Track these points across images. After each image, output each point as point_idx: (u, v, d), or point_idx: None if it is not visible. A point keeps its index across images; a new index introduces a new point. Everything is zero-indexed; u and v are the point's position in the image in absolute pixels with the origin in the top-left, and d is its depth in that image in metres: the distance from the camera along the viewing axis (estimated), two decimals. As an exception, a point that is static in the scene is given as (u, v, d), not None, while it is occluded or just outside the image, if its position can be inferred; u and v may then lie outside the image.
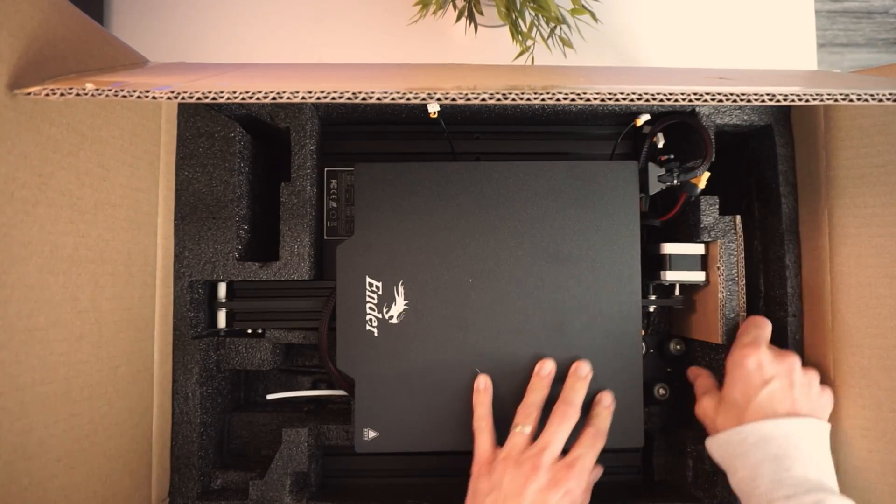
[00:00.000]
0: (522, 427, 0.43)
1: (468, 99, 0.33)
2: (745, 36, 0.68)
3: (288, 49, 0.67)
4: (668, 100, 0.33)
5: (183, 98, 0.32)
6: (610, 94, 0.33)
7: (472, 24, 0.58)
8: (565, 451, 0.43)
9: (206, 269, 0.50)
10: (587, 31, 0.61)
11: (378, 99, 0.32)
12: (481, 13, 0.58)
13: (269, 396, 0.57)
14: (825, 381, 0.48)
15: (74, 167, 0.38)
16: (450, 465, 0.55)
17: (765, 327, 0.47)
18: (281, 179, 0.51)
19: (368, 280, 0.48)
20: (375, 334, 0.47)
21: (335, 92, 0.32)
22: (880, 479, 0.44)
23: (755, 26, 0.68)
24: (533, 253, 0.48)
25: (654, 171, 0.52)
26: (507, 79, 0.41)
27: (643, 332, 0.55)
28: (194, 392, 0.50)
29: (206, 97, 0.32)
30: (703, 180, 0.50)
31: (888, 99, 0.33)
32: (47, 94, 0.32)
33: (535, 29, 0.55)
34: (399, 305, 0.48)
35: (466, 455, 0.49)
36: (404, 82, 0.36)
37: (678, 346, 0.56)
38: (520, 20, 0.54)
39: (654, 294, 0.54)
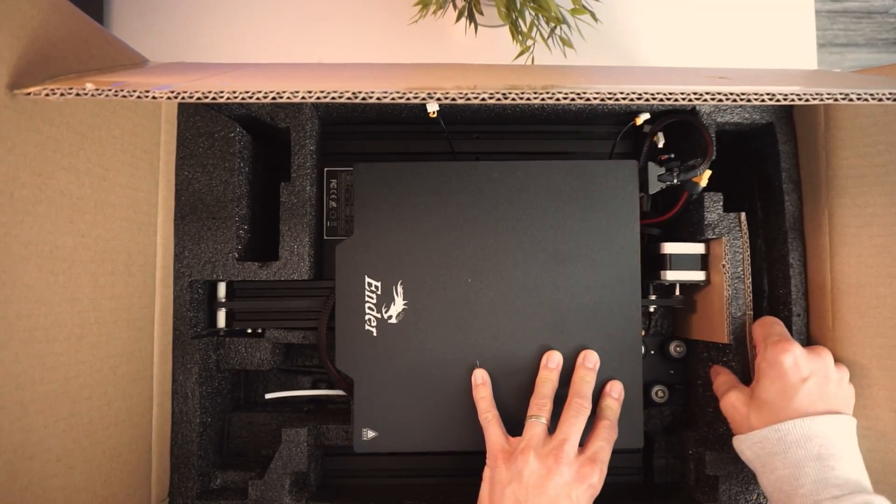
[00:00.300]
0: (537, 418, 0.43)
1: (468, 99, 0.33)
2: (745, 36, 0.68)
3: (288, 49, 0.67)
4: (669, 99, 0.33)
5: (183, 98, 0.32)
6: (610, 93, 0.33)
7: (472, 24, 0.58)
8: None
9: (205, 268, 0.50)
10: (587, 31, 0.61)
11: (378, 99, 0.32)
12: (481, 13, 0.58)
13: (268, 396, 0.57)
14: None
15: (74, 167, 0.38)
16: (449, 465, 0.55)
17: (783, 325, 0.47)
18: (281, 179, 0.51)
19: (368, 280, 0.48)
20: (375, 334, 0.47)
21: (335, 92, 0.32)
22: (881, 479, 0.44)
23: (755, 26, 0.68)
24: (532, 253, 0.48)
25: (655, 170, 0.52)
26: (507, 78, 0.41)
27: (644, 333, 0.55)
28: (194, 392, 0.50)
29: (206, 97, 0.32)
30: (704, 179, 0.50)
31: (888, 98, 0.33)
32: (47, 95, 0.32)
33: (535, 29, 0.55)
34: (398, 305, 0.47)
35: (466, 455, 0.49)
36: (404, 82, 0.36)
37: (679, 348, 0.55)
38: (520, 20, 0.54)
39: (654, 294, 0.54)
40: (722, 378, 0.49)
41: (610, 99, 0.33)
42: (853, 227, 0.47)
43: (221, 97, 0.32)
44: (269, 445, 0.55)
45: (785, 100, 0.33)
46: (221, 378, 0.54)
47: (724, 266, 0.49)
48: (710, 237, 0.51)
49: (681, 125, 0.53)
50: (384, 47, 0.67)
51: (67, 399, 0.38)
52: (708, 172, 0.50)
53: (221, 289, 0.53)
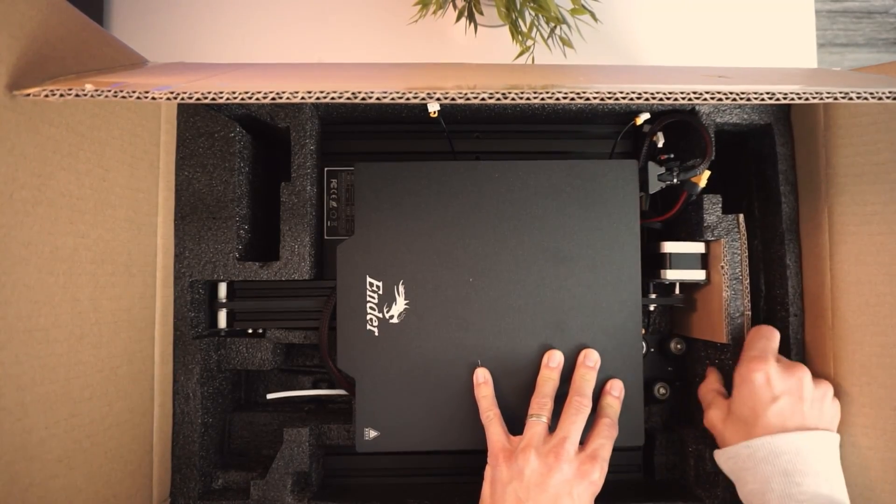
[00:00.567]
0: (538, 417, 0.44)
1: (468, 98, 0.33)
2: (745, 36, 0.68)
3: (288, 49, 0.67)
4: (668, 99, 0.33)
5: (183, 98, 0.32)
6: (609, 93, 0.33)
7: (472, 24, 0.58)
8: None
9: (206, 269, 0.50)
10: (587, 31, 0.61)
11: (378, 99, 0.32)
12: (481, 13, 0.58)
13: (270, 396, 0.57)
14: (826, 379, 0.48)
15: (74, 167, 0.38)
16: (451, 465, 0.55)
17: (772, 338, 0.47)
18: (281, 179, 0.51)
19: (369, 280, 0.48)
20: (376, 334, 0.47)
21: (335, 92, 0.32)
22: (881, 477, 0.44)
23: (755, 26, 0.68)
24: (533, 252, 0.48)
25: (654, 169, 0.52)
26: (507, 78, 0.41)
27: (644, 331, 0.55)
28: (195, 392, 0.50)
29: (206, 97, 0.32)
30: (703, 179, 0.50)
31: (888, 97, 0.33)
32: (47, 95, 0.32)
33: (535, 29, 0.55)
34: (399, 305, 0.47)
35: (468, 454, 0.49)
36: (404, 82, 0.36)
37: (679, 346, 0.56)
38: (520, 20, 0.54)
39: (654, 293, 0.54)
40: (705, 389, 0.50)
41: (610, 98, 0.33)
42: (853, 225, 0.47)
43: (221, 97, 0.32)
44: (270, 445, 0.55)
45: (785, 99, 0.33)
46: (222, 378, 0.54)
47: (722, 267, 0.49)
48: (708, 239, 0.51)
49: (680, 125, 0.53)
50: (384, 47, 0.67)
51: (68, 400, 0.38)
52: (707, 173, 0.50)
53: (222, 289, 0.53)
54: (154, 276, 0.48)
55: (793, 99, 0.33)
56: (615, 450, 0.44)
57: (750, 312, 0.50)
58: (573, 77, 0.44)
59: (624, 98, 0.33)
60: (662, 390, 0.55)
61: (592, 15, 0.54)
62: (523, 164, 0.48)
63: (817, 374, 0.49)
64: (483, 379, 0.46)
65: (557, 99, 0.33)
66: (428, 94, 0.32)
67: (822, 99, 0.33)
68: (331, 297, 0.51)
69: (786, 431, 0.42)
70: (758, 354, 0.45)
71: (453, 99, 0.33)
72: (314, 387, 0.58)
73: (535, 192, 0.48)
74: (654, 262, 0.52)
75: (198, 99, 0.32)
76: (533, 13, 0.55)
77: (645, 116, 0.52)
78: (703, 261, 0.52)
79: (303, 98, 0.32)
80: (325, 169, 0.56)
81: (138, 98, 0.32)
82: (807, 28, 0.68)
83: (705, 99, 0.33)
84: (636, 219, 0.48)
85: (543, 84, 0.34)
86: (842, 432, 0.47)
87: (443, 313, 0.47)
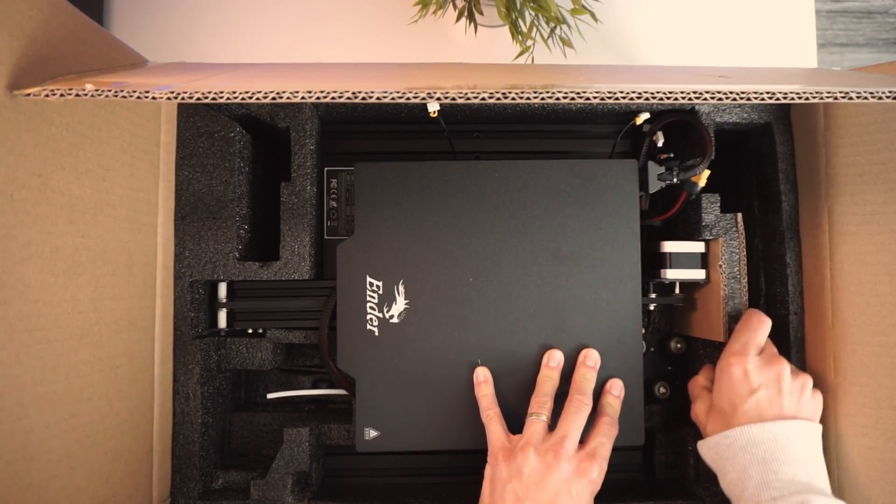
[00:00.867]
0: (538, 415, 0.44)
1: (468, 98, 0.33)
2: (745, 36, 0.68)
3: (288, 49, 0.67)
4: (668, 98, 0.33)
5: (183, 98, 0.32)
6: (609, 92, 0.33)
7: (472, 24, 0.58)
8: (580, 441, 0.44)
9: (206, 269, 0.50)
10: (587, 31, 0.61)
11: (378, 99, 0.32)
12: (481, 13, 0.58)
13: (270, 396, 0.57)
14: (825, 379, 0.48)
15: (74, 167, 0.38)
16: (451, 465, 0.55)
17: (758, 329, 0.46)
18: (281, 179, 0.51)
19: (369, 279, 0.48)
20: (376, 333, 0.47)
21: (335, 92, 0.32)
22: (881, 477, 0.44)
23: (755, 26, 0.68)
24: (533, 251, 0.48)
25: (654, 169, 0.52)
26: (507, 78, 0.41)
27: (643, 331, 0.55)
28: (195, 392, 0.50)
29: (206, 97, 0.32)
30: (703, 178, 0.50)
31: (888, 97, 0.33)
32: (47, 95, 0.32)
33: (535, 29, 0.55)
34: (400, 305, 0.48)
35: (468, 454, 0.49)
36: (404, 82, 0.36)
37: (679, 345, 0.56)
38: (520, 20, 0.54)
39: (654, 292, 0.54)
40: (693, 383, 0.51)
41: (610, 98, 0.33)
42: (853, 225, 0.47)
43: (221, 97, 0.32)
44: (270, 445, 0.55)
45: (785, 98, 0.33)
46: (223, 378, 0.54)
47: (720, 266, 0.50)
48: (707, 238, 0.51)
49: (680, 125, 0.53)
50: (384, 47, 0.67)
51: (68, 400, 0.38)
52: (707, 172, 0.50)
53: (222, 289, 0.53)
54: (154, 276, 0.48)
55: (793, 98, 0.33)
56: (615, 449, 0.44)
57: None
58: (573, 77, 0.44)
59: (624, 98, 0.33)
60: (662, 389, 0.55)
61: (592, 15, 0.54)
62: (523, 163, 0.48)
63: (817, 374, 0.49)
64: (483, 378, 0.46)
65: (557, 99, 0.33)
66: (428, 93, 0.32)
67: (822, 98, 0.33)
68: (331, 297, 0.51)
69: (763, 421, 0.43)
70: (739, 348, 0.46)
71: (453, 99, 0.33)
72: (314, 387, 0.58)
73: (535, 191, 0.48)
74: (653, 261, 0.52)
75: (198, 99, 0.32)
76: (533, 13, 0.55)
77: (645, 116, 0.52)
78: (703, 260, 0.52)
79: (303, 98, 0.32)
80: (325, 169, 0.56)
81: (138, 98, 0.32)
82: (807, 28, 0.68)
83: (705, 98, 0.33)
84: (636, 218, 0.48)
85: (543, 84, 0.34)
86: (841, 432, 0.47)
87: (443, 313, 0.47)
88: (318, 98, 0.32)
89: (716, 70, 0.45)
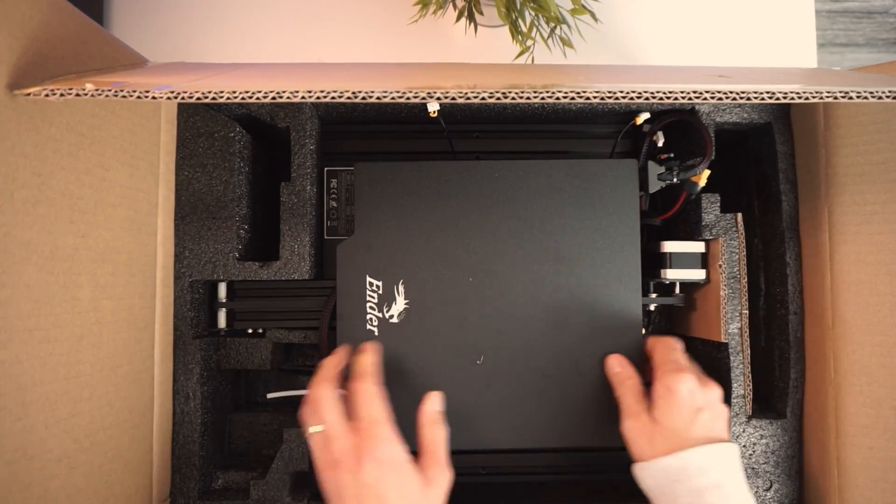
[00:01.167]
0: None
1: (468, 98, 0.33)
2: (745, 36, 0.68)
3: (288, 49, 0.67)
4: (668, 98, 0.33)
5: (183, 98, 0.32)
6: (609, 92, 0.33)
7: (472, 24, 0.58)
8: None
9: (206, 269, 0.50)
10: (587, 31, 0.61)
11: (378, 98, 0.32)
12: (481, 13, 0.58)
13: (270, 395, 0.57)
14: (825, 379, 0.48)
15: (74, 167, 0.38)
16: (451, 464, 0.55)
17: (678, 348, 0.46)
18: (281, 179, 0.51)
19: (369, 279, 0.48)
20: (376, 333, 0.47)
21: (335, 92, 0.32)
22: (881, 477, 0.44)
23: (755, 26, 0.68)
24: (533, 251, 0.48)
25: (654, 169, 0.52)
26: (507, 78, 0.41)
27: (644, 331, 0.55)
28: (195, 392, 0.50)
29: (206, 97, 0.32)
30: (703, 178, 0.50)
31: (888, 96, 0.33)
32: (47, 95, 0.32)
33: (535, 29, 0.55)
34: (399, 305, 0.48)
35: (468, 453, 0.49)
36: (404, 82, 0.36)
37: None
38: (520, 20, 0.54)
39: (654, 292, 0.54)
40: (626, 395, 0.45)
41: (610, 98, 0.33)
42: (853, 224, 0.47)
43: (221, 97, 0.32)
44: (270, 445, 0.55)
45: (785, 98, 0.33)
46: (222, 378, 0.54)
47: (720, 266, 0.49)
48: (707, 238, 0.51)
49: (680, 124, 0.53)
50: (384, 47, 0.67)
51: (68, 399, 0.38)
52: (707, 172, 0.50)
53: (222, 289, 0.53)
54: (154, 276, 0.48)
55: (793, 98, 0.33)
56: (612, 450, 0.44)
57: (747, 311, 0.50)
58: (573, 77, 0.44)
59: (624, 98, 0.33)
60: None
61: (592, 15, 0.54)
62: (523, 163, 0.48)
63: (818, 374, 0.49)
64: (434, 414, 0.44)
65: (557, 99, 0.33)
66: (428, 93, 0.32)
67: (822, 98, 0.33)
68: (331, 296, 0.51)
69: (712, 443, 0.42)
70: (679, 367, 0.44)
71: (453, 99, 0.33)
72: (314, 387, 0.58)
73: (535, 191, 0.48)
74: (654, 261, 0.52)
75: (198, 99, 0.32)
76: (533, 13, 0.55)
77: (645, 116, 0.52)
78: (703, 260, 0.52)
79: (303, 98, 0.32)
80: (325, 169, 0.56)
81: (138, 98, 0.32)
82: (807, 28, 0.68)
83: (705, 98, 0.33)
84: (636, 218, 0.48)
85: (543, 83, 0.34)
86: (842, 432, 0.47)
87: (443, 313, 0.47)
88: (318, 98, 0.32)
89: (716, 70, 0.45)
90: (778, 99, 0.33)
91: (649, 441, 0.43)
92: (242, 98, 0.32)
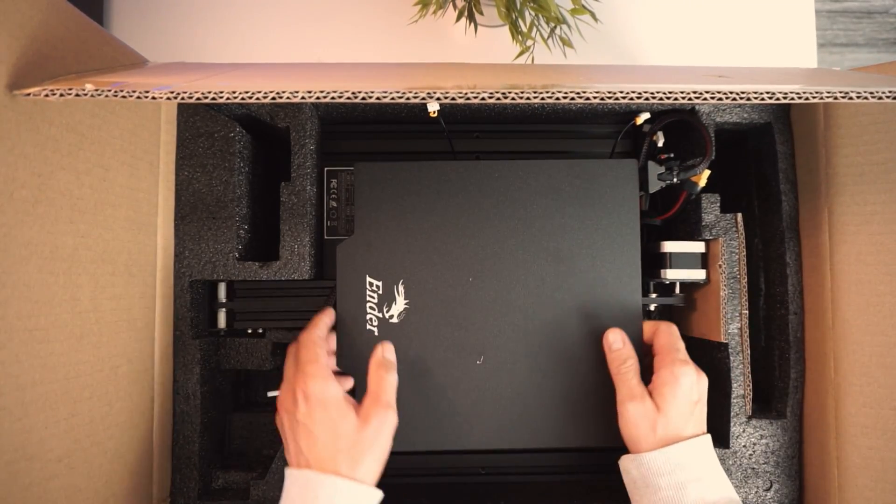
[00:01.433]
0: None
1: (468, 98, 0.33)
2: (745, 36, 0.68)
3: (288, 49, 0.67)
4: (668, 98, 0.33)
5: (183, 98, 0.32)
6: (609, 92, 0.33)
7: (472, 24, 0.58)
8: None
9: (206, 269, 0.50)
10: (587, 31, 0.61)
11: (378, 98, 0.32)
12: (481, 13, 0.58)
13: (270, 393, 0.56)
14: (825, 379, 0.48)
15: (74, 167, 0.38)
16: (451, 465, 0.55)
17: (679, 336, 0.46)
18: (281, 179, 0.51)
19: (369, 279, 0.48)
20: (376, 333, 0.47)
21: (335, 92, 0.32)
22: (881, 477, 0.44)
23: (755, 26, 0.68)
24: (533, 251, 0.48)
25: (654, 169, 0.52)
26: (507, 78, 0.41)
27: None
28: (195, 392, 0.50)
29: (206, 97, 0.32)
30: (703, 178, 0.50)
31: (888, 96, 0.33)
32: (47, 95, 0.32)
33: (535, 29, 0.55)
34: (399, 305, 0.48)
35: (468, 453, 0.49)
36: (404, 82, 0.36)
37: (679, 345, 0.56)
38: (520, 20, 0.54)
39: (654, 292, 0.54)
40: (625, 380, 0.44)
41: (610, 98, 0.33)
42: (853, 225, 0.47)
43: (221, 97, 0.32)
44: (270, 445, 0.55)
45: (785, 98, 0.33)
46: (222, 378, 0.54)
47: (720, 266, 0.49)
48: (707, 238, 0.51)
49: (680, 125, 0.53)
50: (384, 47, 0.67)
51: (68, 399, 0.38)
52: (707, 172, 0.50)
53: (222, 289, 0.53)
54: (154, 276, 0.48)
55: (793, 98, 0.33)
56: (612, 450, 0.44)
57: (747, 311, 0.50)
58: (573, 77, 0.44)
59: (624, 98, 0.33)
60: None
61: (592, 15, 0.54)
62: (523, 163, 0.48)
63: (818, 374, 0.49)
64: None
65: (557, 99, 0.33)
66: (428, 93, 0.32)
67: (822, 98, 0.33)
68: (331, 296, 0.51)
69: (696, 436, 0.42)
70: (686, 357, 0.44)
71: (453, 99, 0.33)
72: (314, 387, 0.58)
73: (535, 191, 0.48)
74: (654, 261, 0.52)
75: (198, 99, 0.32)
76: (533, 13, 0.55)
77: (645, 116, 0.52)
78: (703, 260, 0.52)
79: (303, 98, 0.32)
80: (325, 169, 0.56)
81: (138, 98, 0.32)
82: (807, 28, 0.68)
83: (705, 98, 0.33)
84: (636, 218, 0.48)
85: (543, 84, 0.34)
86: (842, 432, 0.47)
87: (443, 313, 0.47)
88: (318, 98, 0.32)
89: (716, 70, 0.45)
90: (778, 99, 0.33)
91: (651, 427, 0.42)
92: (242, 98, 0.32)
